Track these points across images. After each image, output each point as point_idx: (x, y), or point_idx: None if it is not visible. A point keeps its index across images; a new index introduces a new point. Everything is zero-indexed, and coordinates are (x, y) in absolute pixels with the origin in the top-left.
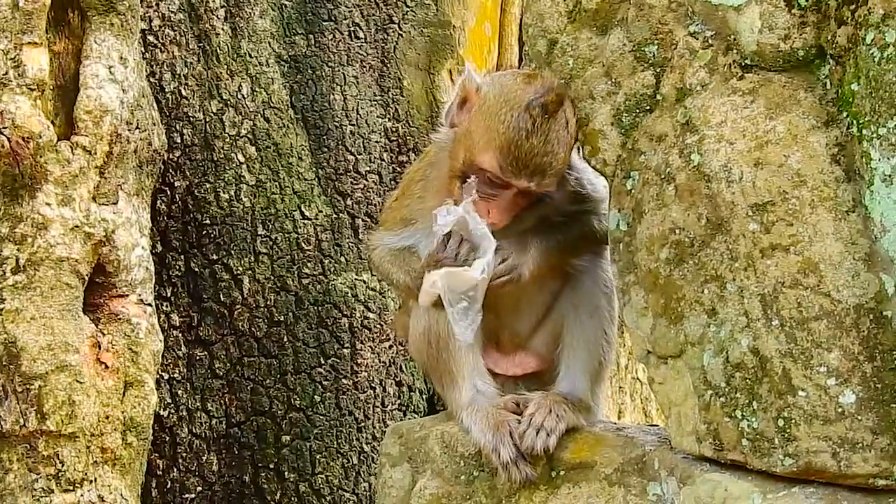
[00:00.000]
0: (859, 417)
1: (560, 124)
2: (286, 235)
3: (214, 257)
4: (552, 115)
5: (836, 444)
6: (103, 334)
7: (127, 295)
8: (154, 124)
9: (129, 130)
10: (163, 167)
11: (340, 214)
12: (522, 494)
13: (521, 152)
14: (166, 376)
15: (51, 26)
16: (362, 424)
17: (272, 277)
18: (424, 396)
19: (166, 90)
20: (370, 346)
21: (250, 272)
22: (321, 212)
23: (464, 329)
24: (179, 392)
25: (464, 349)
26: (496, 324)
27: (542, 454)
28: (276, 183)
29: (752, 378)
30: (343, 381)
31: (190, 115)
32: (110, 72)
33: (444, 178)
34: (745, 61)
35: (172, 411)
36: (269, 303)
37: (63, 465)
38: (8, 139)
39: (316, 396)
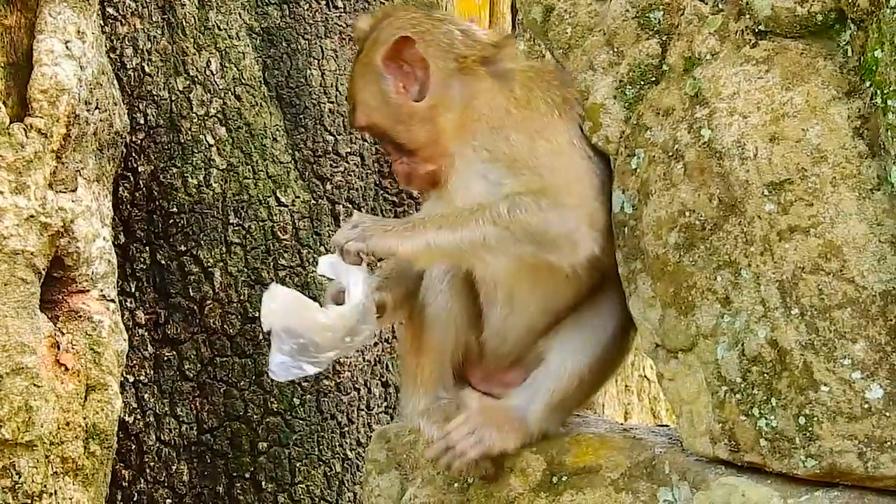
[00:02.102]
0: (887, 414)
1: (357, 53)
2: (260, 224)
3: (182, 248)
4: (358, 44)
5: (862, 443)
6: (62, 333)
7: (88, 290)
8: (115, 104)
9: (87, 111)
10: (125, 151)
11: (319, 200)
12: (521, 502)
13: None
14: (132, 379)
15: None
16: (346, 429)
17: (246, 270)
18: None
19: (128, 66)
20: None
21: (222, 264)
22: (298, 197)
23: (281, 366)
24: (146, 396)
25: (437, 361)
26: (486, 337)
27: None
28: (249, 167)
29: (771, 372)
30: (324, 382)
31: (154, 93)
32: (67, 47)
33: None
34: (759, 27)
35: (139, 417)
36: (242, 297)
37: (20, 477)
38: None
39: (295, 399)
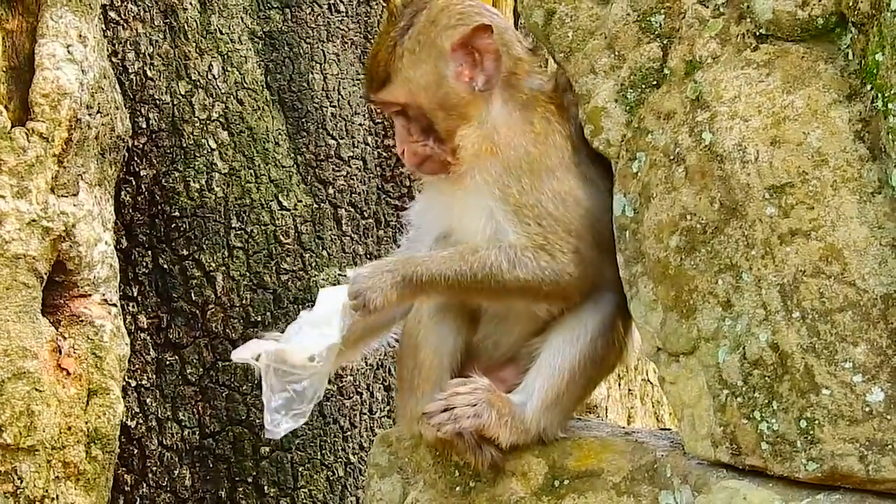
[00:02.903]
0: (888, 417)
1: (399, 24)
2: (263, 228)
3: (185, 252)
4: (392, 13)
5: (863, 446)
6: (64, 338)
7: (89, 294)
8: (117, 108)
9: (89, 115)
10: (127, 155)
11: (322, 204)
12: None
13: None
14: (133, 383)
15: (2, 2)
16: (348, 433)
17: (248, 274)
18: None
19: (130, 71)
20: None
21: (224, 268)
22: (300, 201)
23: (276, 421)
24: (148, 400)
25: (434, 362)
26: (480, 339)
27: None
28: (251, 171)
29: (772, 376)
30: (326, 386)
31: (156, 97)
32: (68, 51)
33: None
34: (760, 31)
35: (141, 421)
36: (244, 302)
37: (22, 482)
38: None
39: None
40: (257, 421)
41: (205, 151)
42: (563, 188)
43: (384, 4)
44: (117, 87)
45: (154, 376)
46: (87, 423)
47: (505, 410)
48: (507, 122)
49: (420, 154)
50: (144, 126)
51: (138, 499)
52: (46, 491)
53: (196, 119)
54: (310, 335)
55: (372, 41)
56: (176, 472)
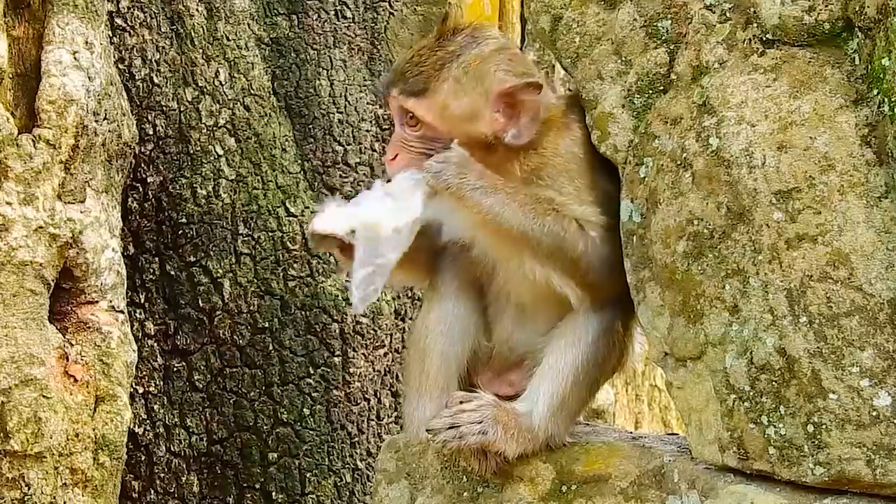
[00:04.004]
0: (895, 421)
1: (450, 46)
2: (270, 234)
3: (192, 259)
4: (444, 33)
5: (870, 450)
6: (71, 345)
7: (97, 301)
8: (124, 115)
9: (96, 122)
10: (134, 161)
11: None
12: None
13: (399, 57)
14: (141, 390)
15: (9, 9)
16: (356, 439)
17: (255, 280)
18: None
19: (136, 77)
20: (363, 354)
21: (231, 275)
22: (307, 208)
23: (361, 298)
24: (156, 407)
25: (441, 368)
26: (492, 341)
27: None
28: (259, 177)
29: (779, 380)
30: (334, 392)
31: (163, 104)
32: (75, 58)
33: None
34: (767, 36)
35: (148, 428)
36: (252, 308)
37: (29, 489)
38: None
39: (305, 409)
40: (265, 427)
41: (212, 158)
42: (607, 187)
43: (391, 11)
44: (124, 93)
45: (161, 383)
46: (94, 429)
47: (511, 423)
48: (551, 143)
49: (410, 166)
50: (151, 132)
51: None
52: (54, 498)
53: (203, 125)
54: (390, 207)
55: (379, 47)
56: (184, 478)
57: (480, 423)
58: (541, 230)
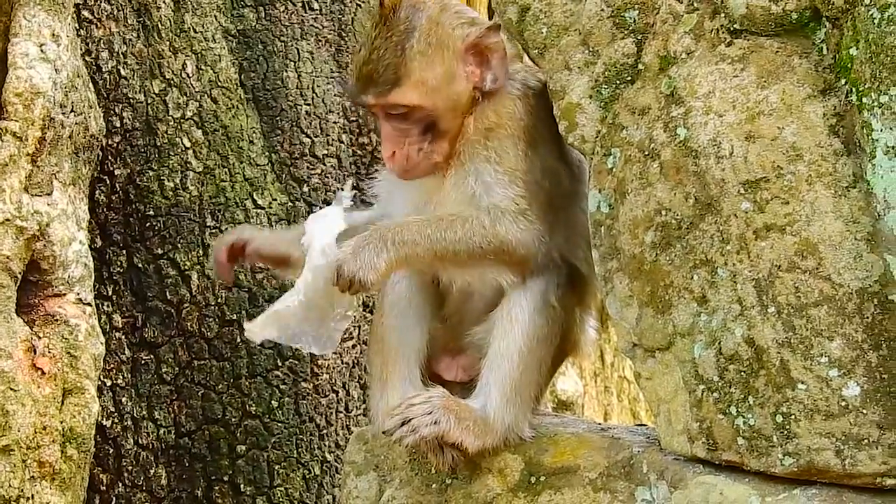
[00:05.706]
0: (864, 411)
1: (398, 26)
2: (237, 226)
3: (159, 251)
4: (387, 16)
5: (839, 440)
6: (39, 337)
7: (64, 294)
8: (91, 107)
9: (63, 114)
10: (101, 154)
11: (296, 202)
12: (500, 503)
13: (355, 61)
14: (109, 382)
15: None
16: (324, 431)
17: None
18: None
19: (103, 70)
20: None
21: (199, 267)
22: (275, 200)
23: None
24: (123, 399)
25: (400, 355)
26: (447, 323)
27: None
28: (226, 169)
29: (748, 371)
30: (302, 384)
31: (130, 96)
32: (41, 50)
33: None
34: (734, 26)
35: (116, 420)
36: (219, 300)
37: None
38: None
39: (273, 402)
40: (233, 420)
41: (179, 150)
42: (552, 163)
43: (358, 3)
44: (91, 86)
45: (129, 375)
46: (62, 422)
47: (464, 414)
48: (507, 104)
49: (413, 159)
50: (118, 125)
51: (114, 498)
52: (21, 491)
53: (170, 118)
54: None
55: (346, 38)
56: (152, 471)
57: (430, 413)
58: (453, 244)
